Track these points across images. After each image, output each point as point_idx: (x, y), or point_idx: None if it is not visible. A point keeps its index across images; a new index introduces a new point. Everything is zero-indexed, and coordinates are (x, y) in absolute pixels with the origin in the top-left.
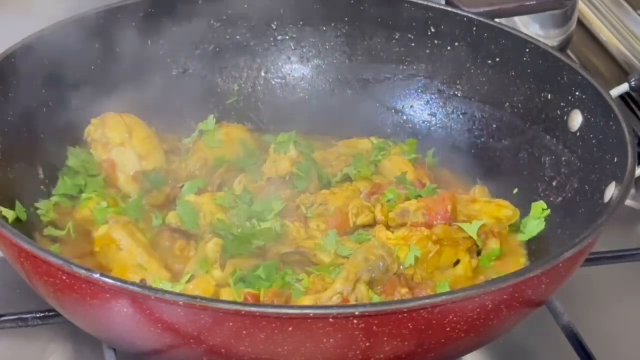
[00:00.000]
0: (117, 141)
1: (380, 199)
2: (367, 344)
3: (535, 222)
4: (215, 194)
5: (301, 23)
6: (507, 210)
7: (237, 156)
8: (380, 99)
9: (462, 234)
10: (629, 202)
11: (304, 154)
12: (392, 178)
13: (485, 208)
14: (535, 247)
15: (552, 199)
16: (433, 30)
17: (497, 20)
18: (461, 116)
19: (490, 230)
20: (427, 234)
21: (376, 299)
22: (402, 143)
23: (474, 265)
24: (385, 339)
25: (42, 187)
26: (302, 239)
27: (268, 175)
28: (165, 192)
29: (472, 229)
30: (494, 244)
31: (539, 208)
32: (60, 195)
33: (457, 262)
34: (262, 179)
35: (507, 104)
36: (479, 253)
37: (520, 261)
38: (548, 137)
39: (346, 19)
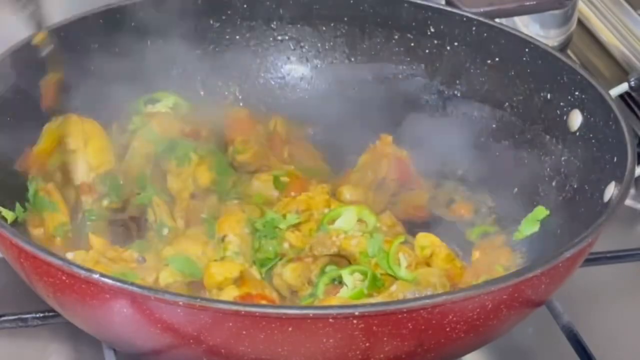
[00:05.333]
0: (71, 146)
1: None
2: (367, 344)
3: (532, 223)
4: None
5: (301, 23)
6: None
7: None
8: (380, 99)
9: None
10: (628, 202)
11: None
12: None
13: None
14: (535, 247)
15: (551, 199)
16: (432, 30)
17: (496, 20)
18: (461, 116)
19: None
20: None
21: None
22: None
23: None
24: (385, 339)
25: None
26: (343, 240)
27: (186, 192)
28: (123, 196)
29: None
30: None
31: (540, 212)
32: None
33: None
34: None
35: (507, 103)
36: None
37: (517, 261)
38: (548, 137)
39: (346, 18)
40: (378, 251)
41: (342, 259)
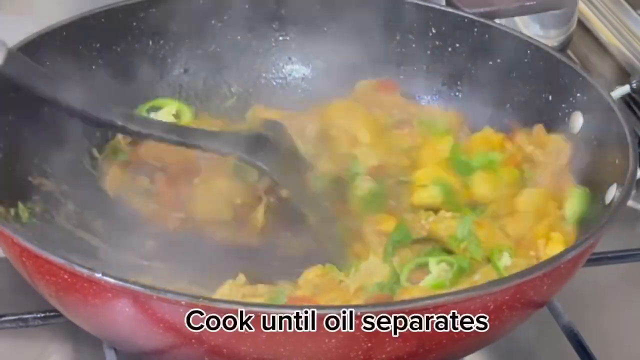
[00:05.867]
0: None
1: None
2: (369, 344)
3: None
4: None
5: (302, 23)
6: None
7: None
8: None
9: None
10: (630, 203)
11: None
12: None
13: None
14: None
15: None
16: (433, 30)
17: (497, 20)
18: (462, 117)
19: None
20: None
21: None
22: None
23: None
24: (387, 339)
25: None
26: (432, 223)
27: None
28: None
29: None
30: None
31: None
32: None
33: None
34: None
35: (508, 104)
36: None
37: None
38: None
39: (347, 19)
40: (468, 234)
41: (430, 242)
